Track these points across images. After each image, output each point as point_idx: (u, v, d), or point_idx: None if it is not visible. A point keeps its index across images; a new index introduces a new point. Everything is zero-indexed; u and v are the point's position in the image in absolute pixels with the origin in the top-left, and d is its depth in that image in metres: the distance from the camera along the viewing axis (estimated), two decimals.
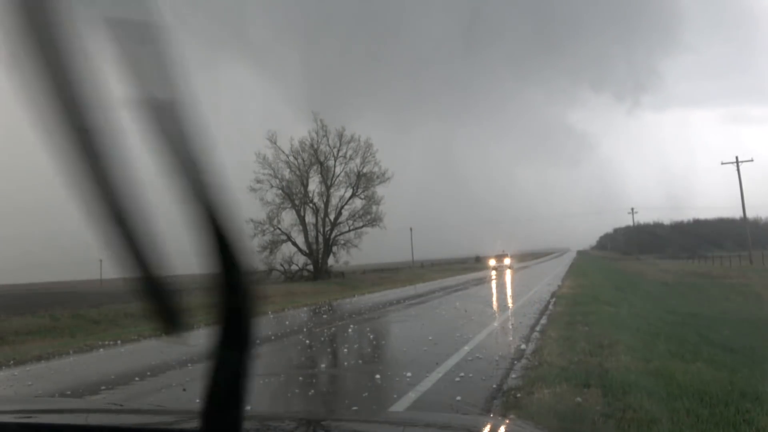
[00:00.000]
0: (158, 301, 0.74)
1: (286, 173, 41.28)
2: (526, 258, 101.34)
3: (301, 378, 7.01)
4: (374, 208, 42.27)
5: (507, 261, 53.38)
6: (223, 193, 0.75)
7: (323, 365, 8.45)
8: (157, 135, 0.69)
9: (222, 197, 0.74)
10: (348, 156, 42.08)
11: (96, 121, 0.66)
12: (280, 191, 40.86)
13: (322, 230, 42.31)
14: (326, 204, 42.23)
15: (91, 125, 0.66)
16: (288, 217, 41.47)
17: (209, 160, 0.74)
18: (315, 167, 42.19)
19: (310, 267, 41.73)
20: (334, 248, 42.48)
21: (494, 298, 19.23)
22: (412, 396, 5.72)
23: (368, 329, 11.97)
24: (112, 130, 0.68)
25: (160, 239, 0.73)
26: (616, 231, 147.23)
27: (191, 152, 0.72)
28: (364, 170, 42.12)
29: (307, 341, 10.60)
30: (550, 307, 14.16)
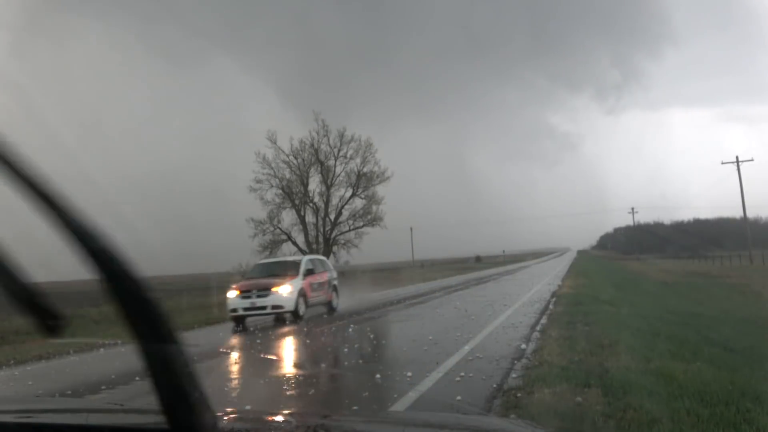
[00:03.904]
0: (22, 302, 0.73)
1: (286, 173, 41.33)
2: (527, 257, 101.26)
3: (301, 377, 7.01)
4: (374, 207, 42.27)
5: (286, 292, 14.00)
6: (52, 186, 0.72)
7: (323, 364, 8.45)
8: None
9: (53, 190, 0.72)
10: (348, 156, 42.09)
11: None
12: (280, 191, 40.89)
13: (322, 230, 42.32)
14: (326, 204, 42.24)
15: None
16: (288, 217, 41.49)
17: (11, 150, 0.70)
18: (315, 167, 42.21)
19: None
20: (335, 248, 42.48)
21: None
22: (412, 396, 5.71)
23: (368, 329, 11.96)
24: None
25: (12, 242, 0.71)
26: (617, 231, 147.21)
27: None
28: (365, 170, 42.12)
29: (307, 341, 10.60)
30: (550, 306, 14.16)
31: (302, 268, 15.04)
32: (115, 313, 0.76)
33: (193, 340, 11.01)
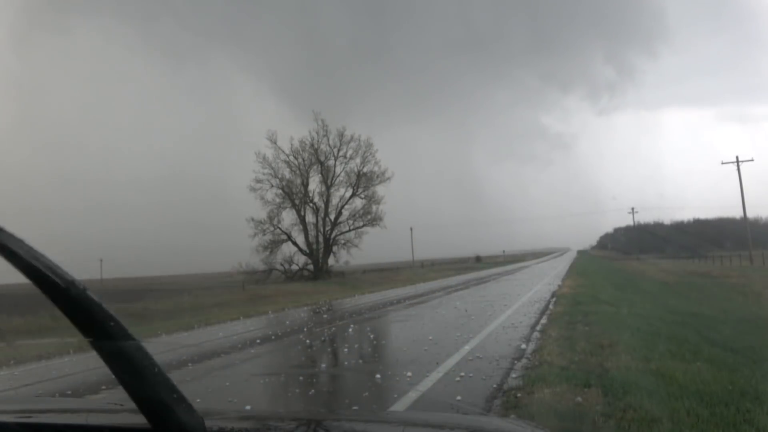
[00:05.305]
0: None
1: (287, 173, 41.38)
2: (527, 257, 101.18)
3: (301, 377, 7.01)
4: (374, 207, 42.31)
5: None
6: None
7: (323, 365, 8.45)
8: None
9: None
10: (348, 156, 42.16)
11: None
12: (281, 191, 40.94)
13: (322, 230, 42.35)
14: (326, 203, 42.27)
15: None
16: (288, 217, 41.57)
17: None
18: (315, 167, 42.26)
19: (311, 267, 41.74)
20: (335, 248, 42.50)
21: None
22: (412, 395, 5.71)
23: (368, 329, 11.95)
24: None
25: None
26: (617, 231, 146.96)
27: None
28: (365, 170, 42.18)
29: (308, 341, 10.59)
30: (550, 306, 14.16)
31: None
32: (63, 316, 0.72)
33: None
